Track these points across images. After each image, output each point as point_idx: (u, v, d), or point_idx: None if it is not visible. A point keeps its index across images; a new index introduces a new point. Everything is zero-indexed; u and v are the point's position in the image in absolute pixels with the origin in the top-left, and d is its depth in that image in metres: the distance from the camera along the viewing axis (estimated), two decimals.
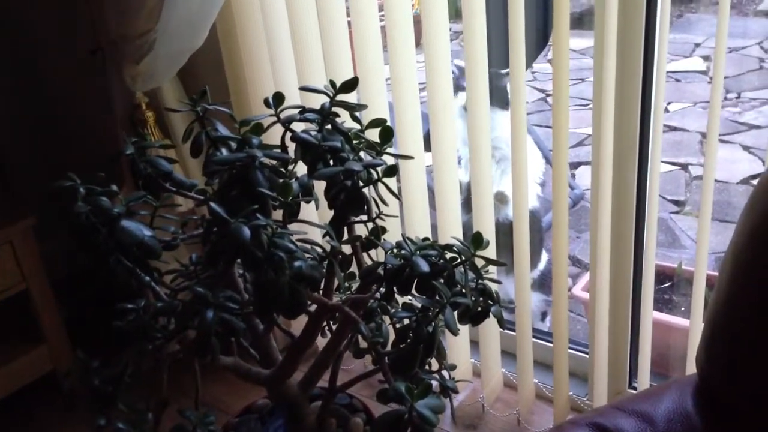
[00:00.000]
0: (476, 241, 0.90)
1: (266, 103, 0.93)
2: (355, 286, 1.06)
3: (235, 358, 1.01)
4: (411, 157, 1.45)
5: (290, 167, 0.95)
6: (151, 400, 0.92)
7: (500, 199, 1.94)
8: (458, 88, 1.81)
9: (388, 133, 0.93)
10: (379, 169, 0.89)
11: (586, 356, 1.60)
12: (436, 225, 1.62)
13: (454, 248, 0.91)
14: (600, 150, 1.33)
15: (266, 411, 1.18)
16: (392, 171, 0.90)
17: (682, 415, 0.81)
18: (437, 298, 0.88)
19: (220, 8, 1.48)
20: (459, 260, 0.90)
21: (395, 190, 0.99)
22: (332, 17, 1.49)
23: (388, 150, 0.95)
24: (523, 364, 1.61)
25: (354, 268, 1.00)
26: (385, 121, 0.95)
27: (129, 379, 0.92)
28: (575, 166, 3.33)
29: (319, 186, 0.92)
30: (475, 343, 1.74)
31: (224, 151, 0.93)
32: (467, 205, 1.65)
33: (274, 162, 0.91)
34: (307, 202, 0.96)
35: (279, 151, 0.93)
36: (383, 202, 0.92)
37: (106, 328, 0.95)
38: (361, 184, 0.88)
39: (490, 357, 1.69)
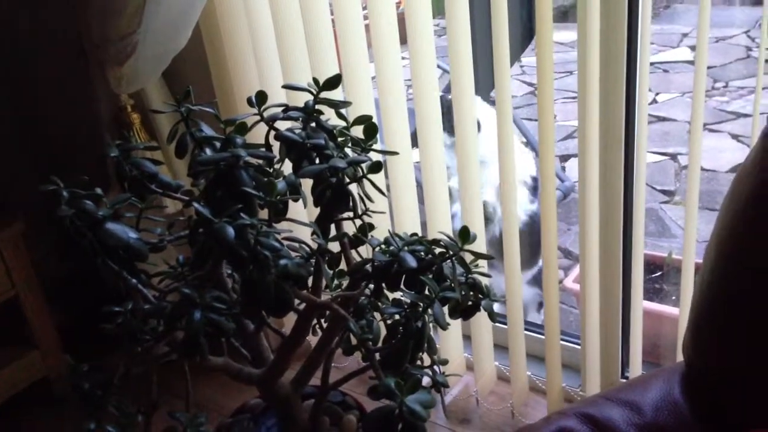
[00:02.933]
0: (463, 235, 0.90)
1: (249, 102, 0.93)
2: (345, 283, 1.06)
3: (225, 359, 1.01)
4: (396, 153, 1.46)
5: (277, 166, 0.95)
6: (142, 403, 0.92)
7: (487, 215, 1.91)
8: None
9: (372, 130, 0.93)
10: (363, 165, 0.89)
11: (579, 347, 1.61)
12: (426, 222, 1.62)
13: (442, 243, 0.91)
14: (586, 142, 1.34)
15: (259, 410, 1.18)
16: (377, 167, 0.90)
17: (669, 402, 0.81)
18: (426, 293, 0.88)
19: (203, 8, 1.48)
20: (447, 255, 0.90)
21: (383, 187, 0.99)
22: (316, 15, 1.48)
23: (374, 146, 0.95)
24: (515, 357, 1.62)
25: (343, 265, 1.00)
26: (370, 117, 0.95)
27: (119, 383, 0.92)
28: (565, 158, 3.34)
29: (307, 184, 0.91)
30: (467, 338, 1.74)
31: (209, 152, 0.93)
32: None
33: (259, 161, 0.91)
34: (295, 200, 0.96)
35: (263, 150, 0.92)
36: (369, 198, 0.92)
37: (97, 333, 0.94)
38: (346, 180, 0.88)
39: (482, 351, 1.69)
